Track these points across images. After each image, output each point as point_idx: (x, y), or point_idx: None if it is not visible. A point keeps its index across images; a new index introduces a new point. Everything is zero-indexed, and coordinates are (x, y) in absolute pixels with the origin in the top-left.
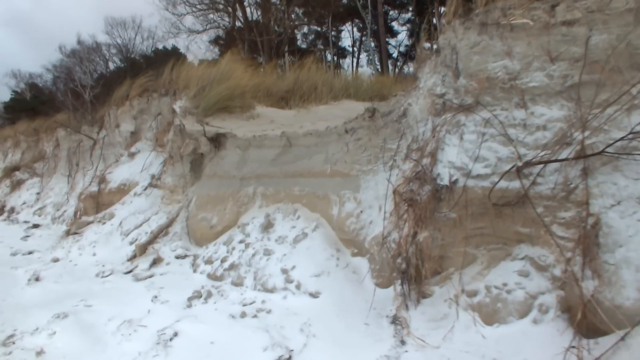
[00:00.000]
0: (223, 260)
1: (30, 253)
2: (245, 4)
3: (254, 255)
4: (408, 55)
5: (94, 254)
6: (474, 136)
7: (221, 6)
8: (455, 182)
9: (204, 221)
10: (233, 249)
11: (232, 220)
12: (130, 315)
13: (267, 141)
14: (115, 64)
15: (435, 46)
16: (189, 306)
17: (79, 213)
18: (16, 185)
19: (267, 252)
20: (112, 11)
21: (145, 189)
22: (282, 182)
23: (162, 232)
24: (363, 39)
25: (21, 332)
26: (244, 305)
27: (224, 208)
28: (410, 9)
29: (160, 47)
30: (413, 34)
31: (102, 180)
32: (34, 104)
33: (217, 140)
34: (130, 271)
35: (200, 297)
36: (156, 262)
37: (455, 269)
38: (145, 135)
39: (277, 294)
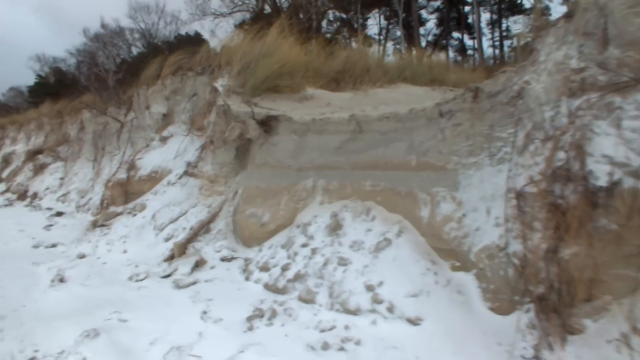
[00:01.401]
0: (284, 269)
1: (53, 246)
2: None
3: (325, 264)
4: (437, 44)
5: (125, 251)
6: (637, 122)
7: None
8: (618, 182)
9: (253, 217)
10: (295, 254)
11: (287, 217)
12: (177, 338)
13: (330, 126)
14: (138, 49)
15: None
16: (250, 329)
17: (105, 202)
18: (39, 169)
19: (342, 262)
20: None
21: (180, 178)
22: (349, 175)
23: (202, 228)
24: (390, 27)
25: (43, 355)
26: (322, 331)
27: (277, 203)
28: None
29: (183, 32)
30: (442, 22)
31: (132, 166)
32: (57, 88)
33: (267, 124)
34: (169, 275)
35: (262, 316)
36: (198, 264)
37: (614, 298)
38: (178, 117)
39: (363, 318)
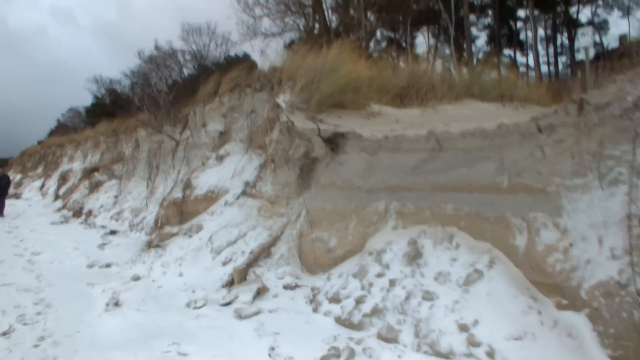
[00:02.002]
0: (359, 301)
1: (108, 266)
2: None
3: (407, 298)
4: (487, 61)
5: (181, 274)
6: None
7: (296, 8)
8: None
9: (318, 242)
10: (370, 285)
11: (356, 243)
12: None
13: (405, 143)
14: (189, 70)
15: None
16: None
17: (160, 221)
18: (94, 187)
19: (428, 296)
20: (189, 17)
21: (238, 198)
22: (427, 197)
23: (263, 252)
24: (438, 44)
25: None
26: None
27: (345, 227)
28: (490, 12)
29: (232, 54)
30: (493, 39)
31: (187, 185)
32: (112, 108)
33: (334, 142)
34: (229, 303)
35: (339, 356)
36: (260, 292)
37: None
38: (236, 135)
39: None
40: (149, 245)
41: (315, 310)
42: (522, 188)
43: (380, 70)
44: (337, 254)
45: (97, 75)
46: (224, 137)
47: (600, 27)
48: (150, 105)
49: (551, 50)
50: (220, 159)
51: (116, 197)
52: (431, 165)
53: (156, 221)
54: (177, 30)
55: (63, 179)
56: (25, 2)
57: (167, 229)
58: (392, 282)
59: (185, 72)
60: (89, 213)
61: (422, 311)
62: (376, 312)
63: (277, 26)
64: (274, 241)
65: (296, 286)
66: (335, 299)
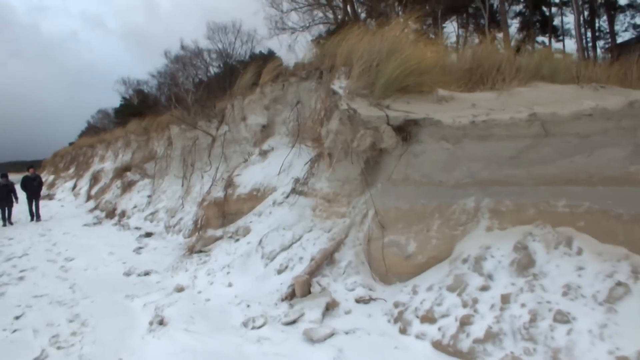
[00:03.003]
0: (464, 322)
1: (146, 274)
2: None
3: (533, 320)
4: (518, 49)
5: (230, 284)
6: None
7: (325, 1)
8: None
9: (393, 247)
10: (475, 301)
11: (442, 248)
12: None
13: (498, 129)
14: (215, 69)
15: None
16: None
17: (200, 223)
18: (127, 187)
19: (562, 317)
20: (215, 17)
21: (288, 197)
22: (529, 192)
23: (325, 259)
24: (468, 34)
25: None
26: None
27: (425, 229)
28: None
29: (257, 51)
30: (525, 25)
31: (229, 184)
32: (140, 108)
33: (405, 130)
34: (294, 321)
35: None
36: (329, 307)
37: None
38: (279, 128)
39: None
40: (191, 250)
41: (403, 331)
42: None
43: (441, 52)
44: (417, 261)
45: (124, 77)
46: (266, 130)
47: None
48: (178, 104)
49: (589, 35)
50: (264, 154)
51: (149, 196)
52: (534, 154)
53: (195, 222)
54: (203, 30)
55: (95, 179)
56: (57, 9)
57: (210, 232)
58: (505, 298)
59: (212, 70)
60: (123, 214)
61: (558, 337)
62: (491, 337)
63: (304, 20)
64: (337, 246)
65: (370, 299)
66: (429, 318)
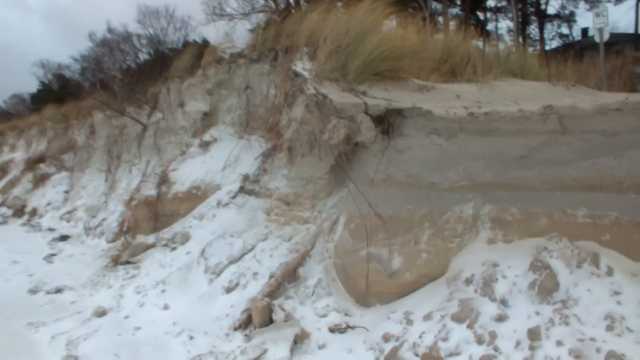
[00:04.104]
0: None
1: (58, 291)
2: None
3: None
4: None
5: (166, 306)
6: None
7: None
8: None
9: (373, 262)
10: (493, 336)
11: (435, 264)
12: None
13: (503, 123)
14: (146, 55)
15: None
16: None
17: (127, 226)
18: (40, 180)
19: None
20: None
21: (235, 197)
22: (542, 198)
23: (288, 275)
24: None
25: None
26: None
27: (413, 240)
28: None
29: (191, 39)
30: (460, 29)
31: (163, 180)
32: (61, 94)
33: (386, 122)
34: None
35: None
36: (298, 340)
37: None
38: (224, 117)
39: None
40: (116, 261)
41: None
42: None
43: (417, 37)
44: (404, 280)
45: (44, 59)
46: (208, 119)
47: (567, 19)
48: (104, 90)
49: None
50: (205, 146)
51: (67, 192)
52: (549, 153)
53: (121, 225)
54: (133, 13)
55: (2, 170)
56: None
57: (140, 239)
58: (534, 333)
59: (141, 57)
60: (34, 212)
61: None
62: None
63: (244, 7)
64: (301, 259)
65: (347, 327)
66: (434, 358)
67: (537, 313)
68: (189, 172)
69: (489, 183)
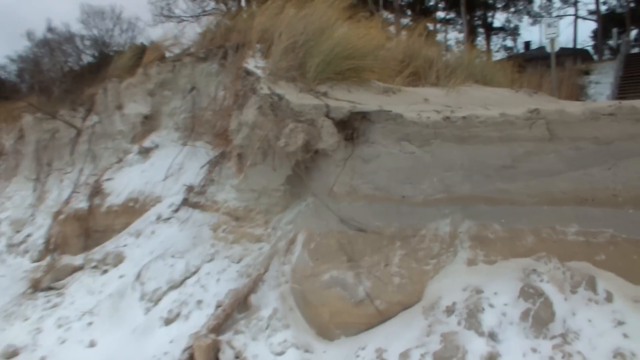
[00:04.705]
0: None
1: None
2: None
3: None
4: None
5: (92, 343)
6: None
7: None
8: None
9: (336, 287)
10: None
11: (409, 290)
12: None
13: (484, 129)
14: (89, 57)
15: None
16: None
17: (53, 244)
18: None
19: None
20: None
21: (177, 210)
22: (528, 214)
23: (238, 304)
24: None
25: None
26: None
27: (383, 262)
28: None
29: (139, 42)
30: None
31: (96, 191)
32: None
33: (350, 127)
34: None
35: None
36: None
37: None
38: (167, 121)
39: None
40: (36, 286)
41: None
42: None
43: (379, 35)
44: (374, 308)
45: None
46: (149, 122)
47: (512, 32)
48: (42, 92)
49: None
50: (145, 152)
51: None
52: (536, 163)
53: (47, 243)
54: (76, 13)
55: None
56: None
57: (66, 259)
58: None
59: (85, 59)
60: None
61: None
62: None
63: (194, 9)
64: (253, 285)
65: None
66: None
67: (534, 350)
68: (126, 182)
69: (468, 196)
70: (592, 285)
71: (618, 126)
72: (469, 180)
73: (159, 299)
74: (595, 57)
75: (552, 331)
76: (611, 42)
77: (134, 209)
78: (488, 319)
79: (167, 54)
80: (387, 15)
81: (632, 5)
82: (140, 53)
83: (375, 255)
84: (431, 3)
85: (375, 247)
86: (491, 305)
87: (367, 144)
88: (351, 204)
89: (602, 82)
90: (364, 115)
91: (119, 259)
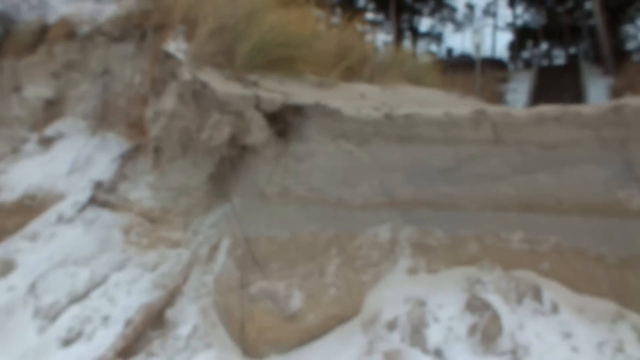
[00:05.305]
0: None
1: None
2: None
3: None
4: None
5: None
6: None
7: None
8: None
9: (266, 300)
10: None
11: (347, 302)
12: None
13: (427, 129)
14: None
15: None
16: None
17: None
18: None
19: None
20: None
21: (83, 210)
22: (472, 220)
23: (151, 321)
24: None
25: None
26: None
27: (317, 272)
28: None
29: (50, 22)
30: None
31: None
32: None
33: (282, 121)
34: None
35: None
36: None
37: None
38: (74, 107)
39: None
40: None
41: None
42: None
43: (314, 26)
44: (307, 323)
45: None
46: (53, 108)
47: (437, 38)
48: None
49: None
50: (47, 142)
51: None
52: (481, 166)
53: None
54: None
55: None
56: None
57: None
58: None
59: None
60: None
61: None
62: None
63: None
64: (170, 297)
65: None
66: None
67: None
68: (22, 175)
69: (409, 200)
70: (537, 295)
71: (563, 131)
72: (410, 183)
73: (57, 316)
74: (510, 67)
75: (501, 347)
76: (525, 54)
77: (30, 207)
78: (433, 335)
79: (76, 32)
80: (318, 12)
81: (543, 22)
82: (44, 29)
83: (309, 263)
84: (361, 3)
85: (309, 255)
86: (436, 319)
87: (301, 141)
88: (283, 207)
89: (518, 91)
90: (298, 109)
91: (8, 267)
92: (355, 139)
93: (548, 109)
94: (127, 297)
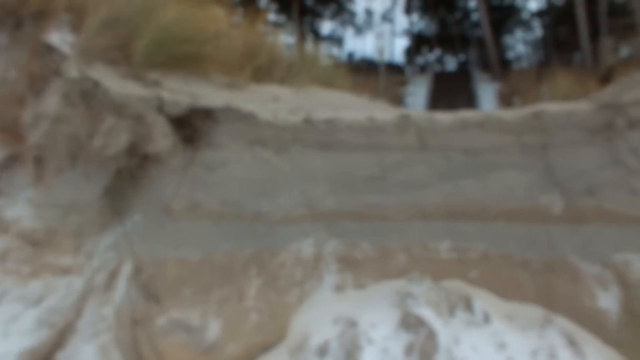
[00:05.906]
0: None
1: None
2: None
3: None
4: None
5: None
6: None
7: None
8: None
9: (178, 332)
10: None
11: (270, 327)
12: None
13: (350, 135)
14: None
15: None
16: None
17: None
18: None
19: None
20: None
21: None
22: (399, 230)
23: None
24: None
25: None
26: None
27: (236, 296)
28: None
29: None
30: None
31: None
32: None
33: (190, 126)
34: None
35: None
36: None
37: None
38: None
39: None
40: None
41: None
42: (596, 215)
43: (222, 23)
44: (228, 354)
45: None
46: None
47: (338, 41)
48: None
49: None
50: None
51: None
52: (406, 174)
53: None
54: None
55: None
56: None
57: None
58: None
59: None
60: None
61: None
62: None
63: None
64: (59, 338)
65: None
66: None
67: None
68: None
69: (333, 212)
70: (468, 305)
71: (486, 137)
72: (333, 193)
73: None
74: (408, 71)
75: None
76: (420, 60)
77: None
78: (369, 358)
79: None
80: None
81: (436, 30)
82: None
83: (225, 287)
84: (263, 4)
85: (225, 277)
86: (370, 341)
87: (211, 149)
88: (193, 223)
89: (417, 94)
90: (207, 113)
91: None
92: (273, 146)
93: (470, 115)
94: (4, 340)
